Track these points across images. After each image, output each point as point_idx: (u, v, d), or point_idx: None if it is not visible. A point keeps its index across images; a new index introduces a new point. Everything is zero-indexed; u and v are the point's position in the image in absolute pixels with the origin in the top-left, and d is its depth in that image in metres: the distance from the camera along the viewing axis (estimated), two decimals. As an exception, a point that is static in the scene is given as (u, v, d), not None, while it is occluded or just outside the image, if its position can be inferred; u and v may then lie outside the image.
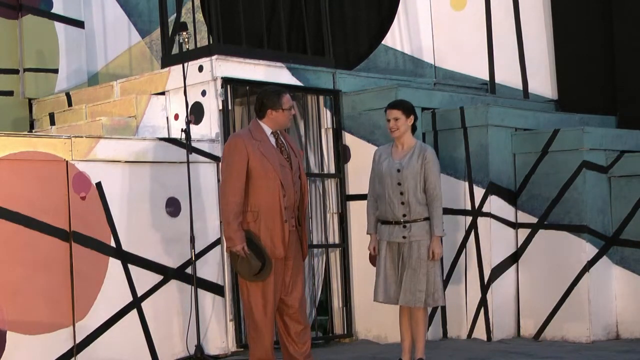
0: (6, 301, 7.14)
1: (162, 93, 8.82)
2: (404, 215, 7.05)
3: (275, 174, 6.51)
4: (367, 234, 7.29)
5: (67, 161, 7.51)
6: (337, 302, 8.97)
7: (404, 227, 7.06)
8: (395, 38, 11.04)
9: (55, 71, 10.12)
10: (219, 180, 8.26)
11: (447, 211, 8.26)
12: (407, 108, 7.15)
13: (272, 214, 6.51)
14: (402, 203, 7.05)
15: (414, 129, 7.22)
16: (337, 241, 9.00)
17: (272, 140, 6.65)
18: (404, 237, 7.05)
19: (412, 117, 7.14)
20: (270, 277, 6.51)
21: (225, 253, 8.20)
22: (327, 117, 9.10)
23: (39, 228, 7.33)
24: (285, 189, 6.54)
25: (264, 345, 6.57)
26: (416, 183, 7.04)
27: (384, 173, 7.12)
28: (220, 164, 8.22)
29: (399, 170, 7.07)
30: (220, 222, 8.21)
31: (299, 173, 6.71)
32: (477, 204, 8.70)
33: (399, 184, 7.05)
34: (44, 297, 7.32)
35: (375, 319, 8.67)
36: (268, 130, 6.65)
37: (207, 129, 8.43)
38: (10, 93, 9.95)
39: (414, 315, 7.12)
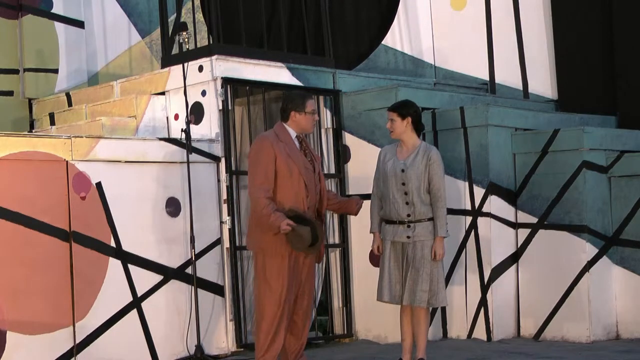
0: (6, 301, 7.14)
1: (162, 93, 8.82)
2: (408, 215, 7.05)
3: (300, 175, 6.64)
4: (371, 232, 7.28)
5: (67, 161, 7.51)
6: (337, 302, 8.96)
7: (408, 227, 7.06)
8: (395, 38, 11.04)
9: (55, 71, 10.12)
10: (219, 180, 8.29)
11: (447, 211, 8.25)
12: (403, 111, 7.14)
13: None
14: (407, 203, 7.05)
15: (420, 128, 7.21)
16: (337, 241, 9.00)
17: (297, 143, 6.77)
18: (408, 237, 7.05)
19: (408, 118, 7.13)
20: (285, 271, 6.59)
21: (225, 253, 8.23)
22: (327, 117, 9.10)
23: (39, 228, 7.33)
24: (308, 190, 6.68)
25: (276, 341, 6.67)
26: (420, 183, 7.04)
27: (388, 173, 7.12)
28: (219, 164, 8.28)
29: (403, 171, 7.07)
30: (221, 221, 8.25)
31: (319, 177, 6.85)
32: (477, 204, 8.70)
33: (403, 184, 7.05)
34: (44, 297, 7.31)
35: (375, 319, 8.67)
36: (293, 134, 6.78)
37: (207, 129, 8.43)
38: (10, 93, 9.96)
39: (416, 315, 7.12)
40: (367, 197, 7.40)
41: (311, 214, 6.68)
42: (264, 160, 6.60)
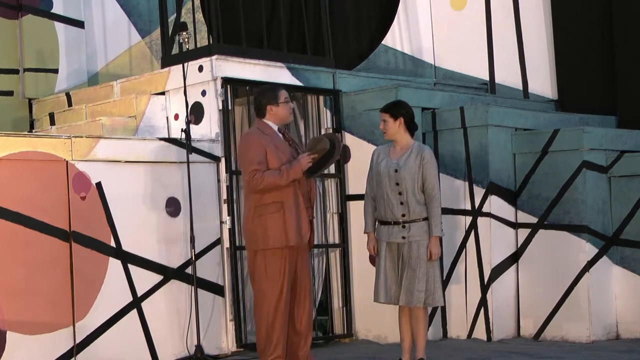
0: (6, 301, 7.14)
1: (162, 93, 8.82)
2: (403, 215, 7.05)
3: None
4: (365, 233, 7.29)
5: (67, 161, 7.51)
6: (337, 302, 8.96)
7: (403, 227, 7.05)
8: (395, 38, 11.04)
9: (55, 71, 10.11)
10: (219, 180, 8.29)
11: (447, 211, 8.27)
12: (395, 111, 7.15)
13: (294, 202, 6.75)
14: (401, 203, 7.05)
15: (413, 128, 7.21)
16: (337, 241, 9.00)
17: (280, 136, 6.89)
18: (403, 238, 7.05)
19: (400, 119, 7.14)
20: (285, 267, 6.68)
21: (225, 253, 8.24)
22: (327, 117, 9.10)
23: (39, 228, 7.33)
24: (299, 179, 6.78)
25: (277, 331, 6.73)
26: (414, 183, 7.04)
27: (381, 173, 7.12)
28: (219, 164, 8.29)
29: (396, 171, 7.07)
30: (221, 221, 8.25)
31: None
32: (477, 204, 8.70)
33: (397, 184, 7.06)
34: (44, 297, 7.31)
35: (375, 319, 8.67)
36: (275, 127, 6.90)
37: (207, 129, 8.43)
38: (10, 93, 9.95)
39: (414, 315, 7.12)
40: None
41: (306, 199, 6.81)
42: (253, 154, 6.70)
